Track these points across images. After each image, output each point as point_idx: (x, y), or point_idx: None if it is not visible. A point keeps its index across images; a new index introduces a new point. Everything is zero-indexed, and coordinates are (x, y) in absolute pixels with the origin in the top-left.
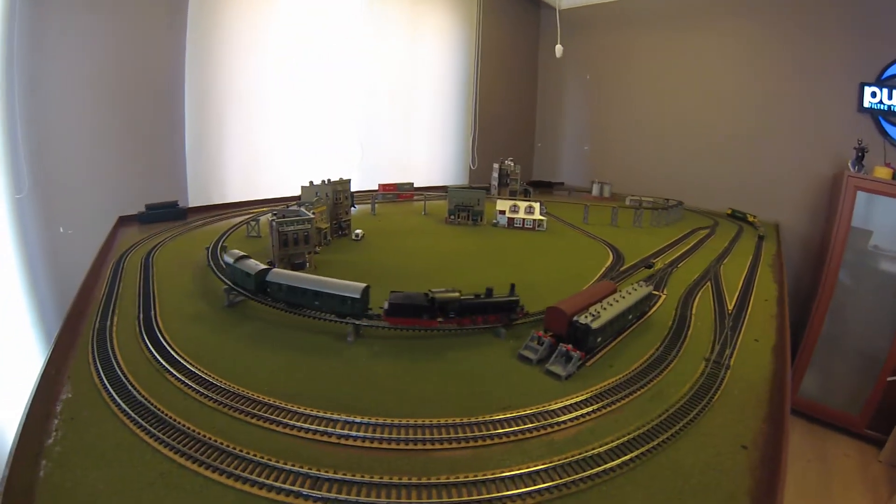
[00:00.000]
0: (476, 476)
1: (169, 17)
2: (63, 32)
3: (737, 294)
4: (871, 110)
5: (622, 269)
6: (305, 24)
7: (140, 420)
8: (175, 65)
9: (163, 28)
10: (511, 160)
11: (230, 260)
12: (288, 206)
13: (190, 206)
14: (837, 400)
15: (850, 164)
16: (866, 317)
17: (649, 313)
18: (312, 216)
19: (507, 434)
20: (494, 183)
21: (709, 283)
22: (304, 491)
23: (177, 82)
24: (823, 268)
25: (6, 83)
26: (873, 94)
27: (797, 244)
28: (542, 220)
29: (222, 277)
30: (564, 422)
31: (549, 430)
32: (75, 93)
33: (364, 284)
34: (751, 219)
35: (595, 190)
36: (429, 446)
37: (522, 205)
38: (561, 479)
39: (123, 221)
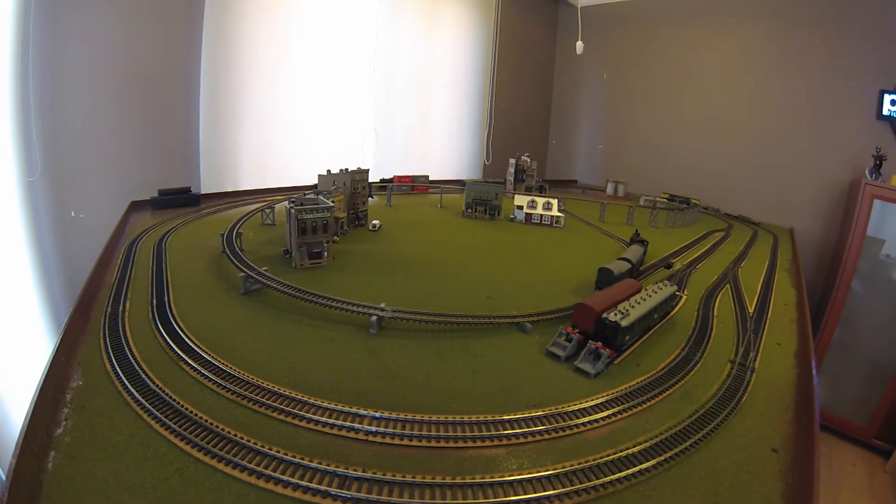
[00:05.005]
0: (513, 475)
1: (186, 2)
2: (79, 16)
3: (756, 297)
4: (890, 118)
5: (642, 267)
6: (323, 13)
7: (155, 411)
8: (191, 50)
9: (180, 13)
10: (527, 156)
11: None
12: (305, 194)
13: (203, 192)
14: (846, 408)
15: (867, 172)
16: (878, 326)
17: (672, 313)
18: (333, 204)
19: (540, 432)
20: (510, 178)
21: (728, 286)
22: (333, 490)
23: (192, 68)
24: (837, 275)
25: (21, 65)
26: (893, 102)
27: (810, 250)
28: (559, 216)
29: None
30: (597, 420)
31: (582, 428)
32: (89, 76)
33: None
34: (694, 202)
35: (609, 189)
36: (461, 444)
37: (540, 201)
38: (598, 479)
39: (135, 206)
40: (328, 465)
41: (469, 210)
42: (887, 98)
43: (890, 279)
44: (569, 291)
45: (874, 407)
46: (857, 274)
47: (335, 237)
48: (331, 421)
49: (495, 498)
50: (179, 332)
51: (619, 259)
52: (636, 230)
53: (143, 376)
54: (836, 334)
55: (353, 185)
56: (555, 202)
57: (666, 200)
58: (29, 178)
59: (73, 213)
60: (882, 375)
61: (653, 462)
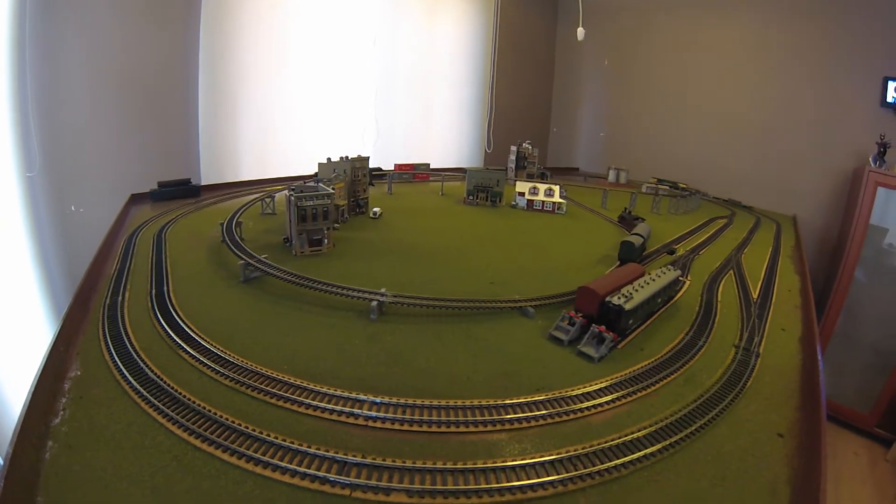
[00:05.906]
0: (515, 461)
1: None
2: (76, 12)
3: (760, 283)
4: (894, 105)
5: (645, 253)
6: (323, 4)
7: (153, 399)
8: (189, 42)
9: (178, 6)
10: (529, 143)
11: None
12: (305, 182)
13: (203, 183)
14: (848, 397)
15: (871, 160)
16: (881, 315)
17: (675, 298)
18: (333, 191)
19: (542, 417)
20: (511, 165)
21: (731, 272)
22: (331, 476)
23: (191, 60)
24: (840, 263)
25: (18, 60)
26: None
27: (814, 238)
28: (561, 203)
29: None
30: (601, 405)
31: (586, 412)
32: (88, 71)
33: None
34: (682, 185)
35: (612, 176)
36: (462, 429)
37: (542, 187)
38: (602, 463)
39: (135, 199)
40: (327, 450)
41: (470, 197)
42: (892, 85)
43: (893, 268)
44: (571, 277)
45: (876, 396)
46: (861, 263)
47: (335, 224)
48: (330, 406)
49: (497, 483)
50: (178, 320)
51: (632, 234)
52: (625, 208)
53: (142, 365)
54: (838, 323)
55: (354, 172)
56: (556, 188)
57: (668, 188)
58: (28, 173)
59: (73, 208)
60: (884, 364)
61: (658, 447)
